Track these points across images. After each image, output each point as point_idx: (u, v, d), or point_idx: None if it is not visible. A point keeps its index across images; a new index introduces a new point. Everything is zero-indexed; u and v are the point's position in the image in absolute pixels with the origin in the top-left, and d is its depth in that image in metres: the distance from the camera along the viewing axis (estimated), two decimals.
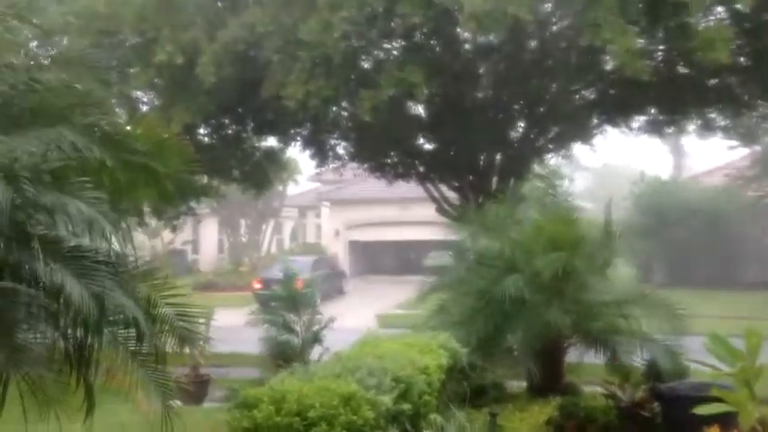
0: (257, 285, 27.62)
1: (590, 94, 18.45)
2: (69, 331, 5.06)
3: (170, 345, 6.36)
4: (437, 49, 16.07)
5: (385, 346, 7.77)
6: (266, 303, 19.03)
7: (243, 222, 46.55)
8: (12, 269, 4.89)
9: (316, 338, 12.16)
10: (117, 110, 17.09)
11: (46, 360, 5.13)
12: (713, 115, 18.79)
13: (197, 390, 12.51)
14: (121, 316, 5.28)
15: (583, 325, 10.36)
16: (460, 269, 11.29)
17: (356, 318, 18.44)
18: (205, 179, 20.45)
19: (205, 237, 46.86)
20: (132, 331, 5.59)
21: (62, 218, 4.87)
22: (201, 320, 9.01)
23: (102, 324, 4.94)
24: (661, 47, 15.22)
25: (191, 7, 14.64)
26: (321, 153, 19.96)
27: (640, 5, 12.88)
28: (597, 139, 20.28)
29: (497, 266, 10.39)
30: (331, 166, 21.54)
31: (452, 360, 8.42)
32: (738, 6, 13.13)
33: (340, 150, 20.40)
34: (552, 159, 21.63)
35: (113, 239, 5.47)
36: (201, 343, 7.62)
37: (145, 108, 18.18)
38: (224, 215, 44.56)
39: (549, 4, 15.16)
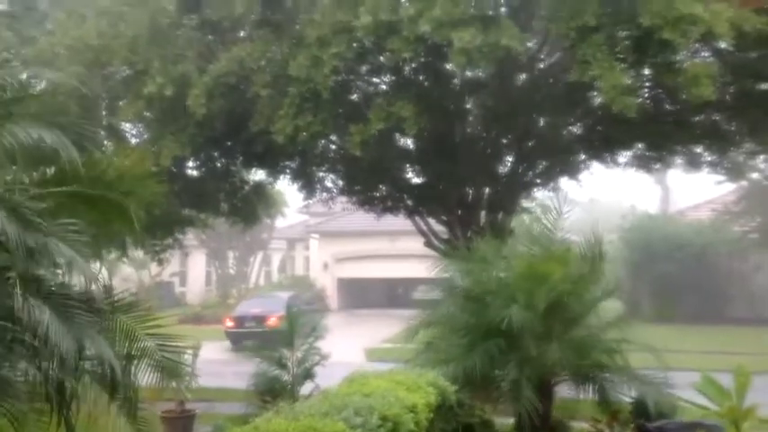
0: (229, 323, 26.67)
1: (577, 130, 18.58)
2: (51, 372, 5.01)
3: (154, 378, 6.30)
4: (426, 83, 16.16)
5: (373, 384, 7.69)
6: (238, 342, 18.71)
7: (231, 254, 46.39)
8: None
9: (307, 375, 12.07)
10: (105, 142, 17.13)
11: (27, 398, 5.06)
12: (700, 151, 18.93)
13: (182, 425, 12.37)
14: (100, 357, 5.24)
15: (572, 361, 10.32)
16: (449, 305, 11.25)
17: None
18: (193, 211, 20.44)
19: (193, 269, 46.67)
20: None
21: (43, 257, 4.85)
22: (187, 354, 8.94)
23: (80, 363, 4.90)
24: (647, 84, 15.37)
25: (181, 41, 14.68)
26: (309, 186, 19.94)
27: (627, 42, 13.03)
28: (584, 174, 20.38)
29: (486, 303, 10.35)
30: (319, 198, 21.52)
31: (441, 398, 8.34)
32: (722, 45, 13.29)
33: (328, 183, 20.41)
34: (539, 193, 21.73)
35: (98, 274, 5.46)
36: (187, 377, 7.54)
37: (134, 140, 18.19)
38: (212, 247, 44.43)
39: (536, 41, 15.26)
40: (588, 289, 10.66)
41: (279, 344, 12.13)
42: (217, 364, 12.44)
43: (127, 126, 17.94)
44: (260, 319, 24.84)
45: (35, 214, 5.02)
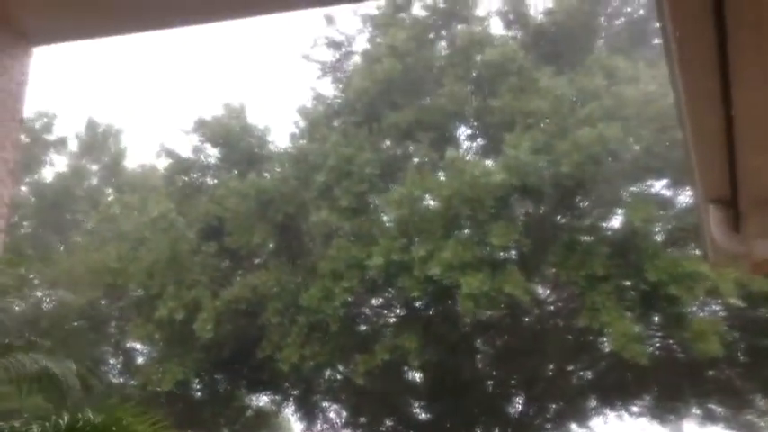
0: None
1: (587, 375, 18.27)
2: None
3: None
4: (434, 319, 16.22)
5: None
6: None
7: None
8: None
9: None
10: (111, 360, 17.07)
11: None
12: (713, 405, 18.40)
13: None
14: None
15: None
16: None
17: None
18: None
19: None
20: None
21: None
22: None
23: None
24: (658, 333, 15.32)
25: (198, 266, 15.03)
26: (311, 415, 19.46)
27: (634, 293, 13.16)
28: (597, 420, 19.72)
29: None
30: (321, 429, 20.86)
31: None
32: (731, 300, 13.35)
33: (331, 414, 19.90)
34: None
35: None
36: None
37: (141, 359, 18.10)
38: None
39: (546, 285, 15.48)
40: None
41: None
42: None
43: (135, 344, 17.92)
44: None
45: None
